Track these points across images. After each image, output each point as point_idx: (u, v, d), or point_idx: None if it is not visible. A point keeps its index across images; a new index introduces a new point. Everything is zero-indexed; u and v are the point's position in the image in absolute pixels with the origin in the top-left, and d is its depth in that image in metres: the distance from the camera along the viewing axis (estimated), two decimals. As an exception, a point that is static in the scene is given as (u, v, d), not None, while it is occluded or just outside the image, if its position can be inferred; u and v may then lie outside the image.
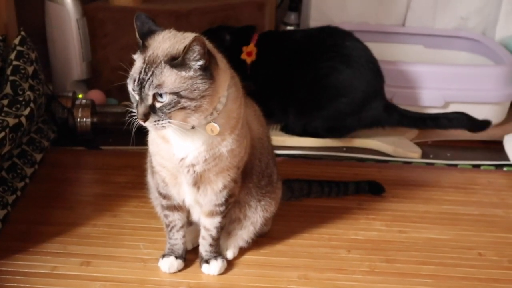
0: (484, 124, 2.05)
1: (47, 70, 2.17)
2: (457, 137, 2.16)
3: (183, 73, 1.09)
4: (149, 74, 1.08)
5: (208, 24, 2.20)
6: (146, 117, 1.10)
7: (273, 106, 2.06)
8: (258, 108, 1.41)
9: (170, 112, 1.10)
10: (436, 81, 2.23)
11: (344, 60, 2.01)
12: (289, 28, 2.82)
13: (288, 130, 2.11)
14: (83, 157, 1.97)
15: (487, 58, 2.44)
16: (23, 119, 1.63)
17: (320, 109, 2.04)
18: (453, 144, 2.15)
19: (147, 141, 1.30)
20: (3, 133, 1.53)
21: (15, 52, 1.81)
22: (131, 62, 1.15)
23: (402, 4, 2.63)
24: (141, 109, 1.10)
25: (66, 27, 2.14)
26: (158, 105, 1.10)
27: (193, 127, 1.16)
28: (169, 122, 1.10)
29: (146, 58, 1.10)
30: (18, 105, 1.68)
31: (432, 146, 2.14)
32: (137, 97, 1.11)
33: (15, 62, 1.78)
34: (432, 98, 2.21)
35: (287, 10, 2.81)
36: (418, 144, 2.11)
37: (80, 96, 2.13)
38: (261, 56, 2.12)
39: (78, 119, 2.00)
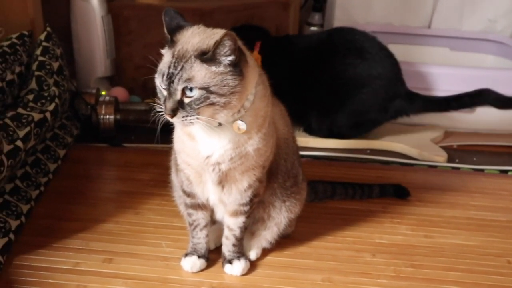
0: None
1: (71, 67, 2.18)
2: (483, 141, 2.13)
3: (213, 68, 1.07)
4: (179, 68, 1.07)
5: (232, 23, 2.19)
6: (174, 113, 1.08)
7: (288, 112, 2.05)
8: (284, 107, 1.40)
9: (198, 108, 1.08)
10: (462, 84, 2.19)
11: (358, 53, 2.00)
12: (312, 28, 2.80)
13: (312, 132, 2.09)
14: (105, 154, 1.97)
15: (515, 61, 2.40)
16: (48, 115, 1.64)
17: (343, 105, 2.02)
18: (480, 149, 2.11)
19: (171, 138, 1.29)
20: (28, 128, 1.53)
21: (40, 47, 1.81)
22: (155, 60, 1.14)
23: (428, 6, 2.59)
24: (169, 104, 1.08)
25: (91, 24, 2.14)
26: (186, 100, 1.08)
27: (219, 125, 1.14)
28: (197, 118, 1.09)
29: (175, 53, 1.08)
30: (43, 100, 1.69)
31: (458, 150, 2.10)
32: (164, 93, 1.10)
33: (40, 58, 1.79)
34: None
35: (311, 11, 2.79)
36: (443, 148, 2.07)
37: (103, 93, 2.13)
38: (267, 63, 2.08)
39: (102, 116, 2.00)
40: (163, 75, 1.08)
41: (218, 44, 1.05)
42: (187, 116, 1.09)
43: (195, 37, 1.09)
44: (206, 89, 1.07)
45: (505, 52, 2.47)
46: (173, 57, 1.08)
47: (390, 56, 2.03)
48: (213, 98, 1.08)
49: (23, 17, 1.85)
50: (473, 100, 2.03)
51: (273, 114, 1.26)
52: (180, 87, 1.08)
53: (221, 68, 1.08)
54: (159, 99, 1.13)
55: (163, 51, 1.13)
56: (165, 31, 1.13)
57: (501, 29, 2.55)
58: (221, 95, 1.08)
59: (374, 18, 2.61)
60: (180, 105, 1.09)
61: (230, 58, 1.07)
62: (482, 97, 2.02)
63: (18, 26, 1.83)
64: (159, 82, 1.10)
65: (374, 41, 2.04)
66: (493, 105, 2.03)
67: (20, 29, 1.82)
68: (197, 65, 1.07)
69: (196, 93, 1.07)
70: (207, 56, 1.07)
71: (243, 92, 1.11)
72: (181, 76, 1.07)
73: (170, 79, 1.08)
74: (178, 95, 1.08)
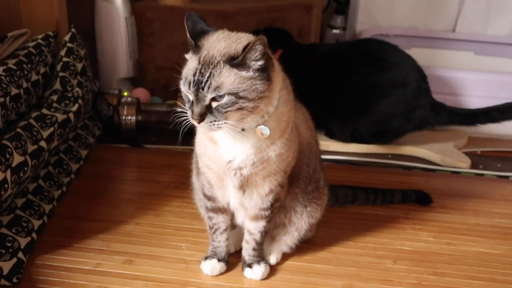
0: None
1: (94, 67, 2.20)
2: (508, 148, 2.09)
3: (243, 73, 1.07)
4: (206, 75, 1.06)
5: (255, 25, 2.19)
6: (202, 118, 1.08)
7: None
8: (307, 111, 1.39)
9: (226, 112, 1.07)
10: (486, 89, 2.17)
11: (378, 63, 1.97)
12: (334, 31, 2.79)
13: (334, 137, 2.07)
14: (126, 154, 1.98)
15: (542, 67, 2.36)
16: (71, 115, 1.65)
17: (363, 115, 2.00)
18: (504, 155, 2.08)
19: (193, 141, 1.29)
20: (52, 129, 1.55)
21: (65, 48, 1.83)
22: (177, 61, 1.14)
23: (453, 9, 2.56)
24: (197, 110, 1.07)
25: (115, 25, 2.16)
26: (214, 104, 1.08)
27: (243, 130, 1.14)
28: (225, 123, 1.08)
29: (201, 59, 1.07)
30: (67, 101, 1.70)
31: (482, 156, 2.07)
32: (191, 98, 1.09)
33: (65, 59, 1.80)
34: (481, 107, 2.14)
35: (333, 13, 2.78)
36: (467, 154, 2.04)
37: (125, 94, 2.15)
38: (287, 72, 2.07)
39: (123, 117, 2.01)
40: (190, 82, 1.07)
41: (249, 48, 1.05)
42: (215, 121, 1.08)
43: (220, 42, 1.08)
44: (235, 94, 1.06)
45: (532, 56, 2.44)
46: (199, 63, 1.07)
47: (414, 66, 1.99)
48: (242, 103, 1.07)
49: (48, 18, 1.86)
50: (502, 115, 1.96)
51: (295, 118, 1.25)
52: (209, 95, 1.07)
53: (251, 73, 1.07)
54: (182, 102, 1.12)
55: (187, 56, 1.12)
56: (188, 36, 1.12)
57: (528, 33, 2.51)
58: (250, 100, 1.07)
59: (397, 21, 2.58)
60: (208, 110, 1.08)
61: (260, 62, 1.07)
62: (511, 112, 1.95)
63: (43, 27, 1.85)
64: (185, 89, 1.09)
65: (397, 50, 2.00)
66: None
67: (45, 30, 1.84)
68: (226, 71, 1.06)
69: (224, 98, 1.07)
70: (237, 61, 1.06)
71: (270, 97, 1.10)
72: (210, 83, 1.06)
73: (197, 86, 1.07)
74: (206, 101, 1.07)
